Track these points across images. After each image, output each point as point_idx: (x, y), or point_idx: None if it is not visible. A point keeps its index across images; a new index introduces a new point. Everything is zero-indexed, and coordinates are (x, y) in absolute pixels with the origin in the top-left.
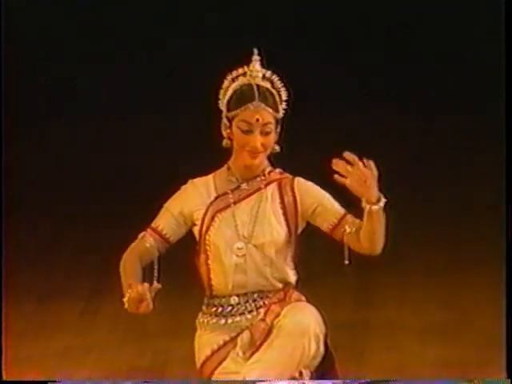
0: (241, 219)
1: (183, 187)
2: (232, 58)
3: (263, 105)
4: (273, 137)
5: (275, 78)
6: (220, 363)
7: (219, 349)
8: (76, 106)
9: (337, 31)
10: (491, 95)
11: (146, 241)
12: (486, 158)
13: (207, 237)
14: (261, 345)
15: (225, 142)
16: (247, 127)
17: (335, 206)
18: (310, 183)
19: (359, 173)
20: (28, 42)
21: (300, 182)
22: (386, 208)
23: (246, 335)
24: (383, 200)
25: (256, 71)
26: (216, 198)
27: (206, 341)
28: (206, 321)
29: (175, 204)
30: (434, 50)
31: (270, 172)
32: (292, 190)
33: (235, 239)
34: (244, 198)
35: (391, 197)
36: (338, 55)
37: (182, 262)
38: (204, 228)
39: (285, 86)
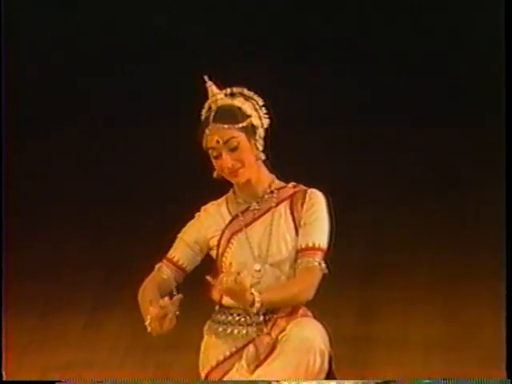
0: (255, 240)
1: (197, 215)
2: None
3: (218, 124)
4: (244, 149)
5: (239, 90)
6: (225, 374)
7: (225, 360)
8: (78, 111)
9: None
10: (491, 107)
11: (163, 272)
12: (487, 170)
13: (224, 258)
14: (265, 359)
15: (215, 174)
16: (214, 152)
17: (314, 236)
18: (320, 199)
19: (227, 286)
20: (29, 43)
21: (312, 193)
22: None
23: (251, 348)
24: (256, 305)
25: (214, 95)
26: (231, 220)
27: (211, 351)
28: (212, 329)
29: (190, 233)
30: (433, 60)
31: (279, 188)
32: (302, 203)
33: (251, 261)
34: (257, 219)
35: (391, 211)
36: (331, 63)
37: (186, 275)
38: (220, 250)
39: (255, 92)
